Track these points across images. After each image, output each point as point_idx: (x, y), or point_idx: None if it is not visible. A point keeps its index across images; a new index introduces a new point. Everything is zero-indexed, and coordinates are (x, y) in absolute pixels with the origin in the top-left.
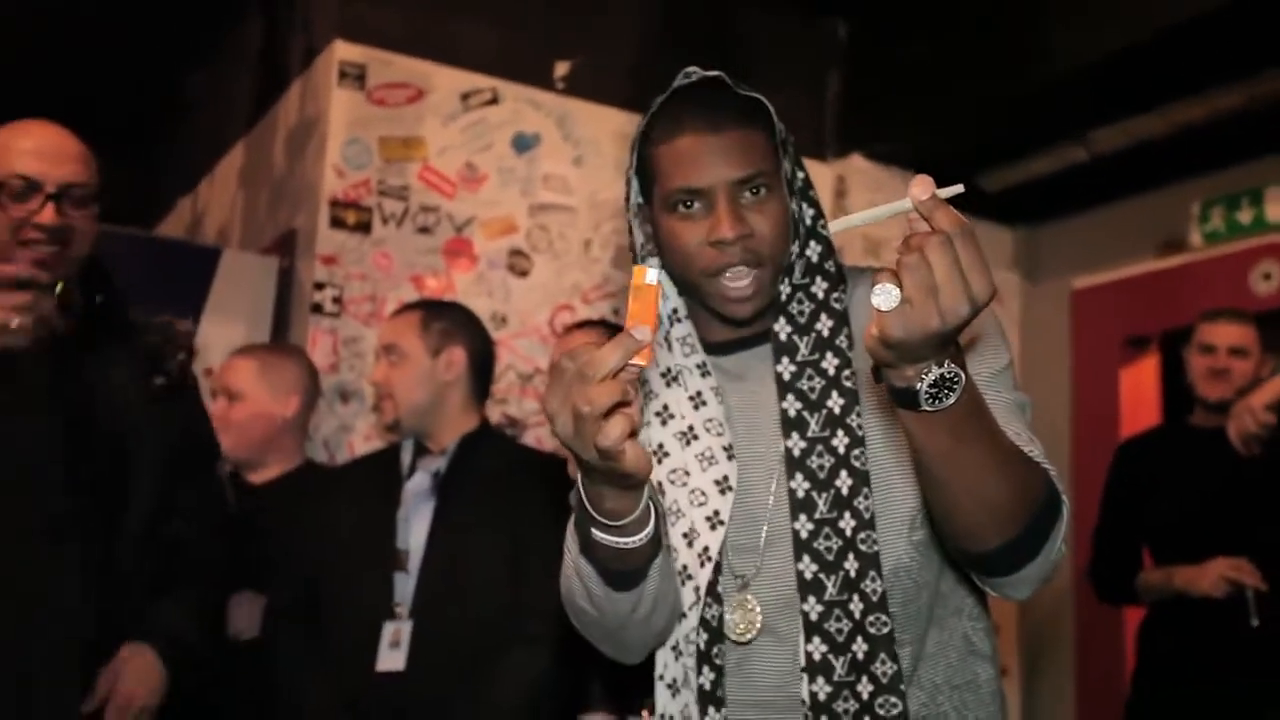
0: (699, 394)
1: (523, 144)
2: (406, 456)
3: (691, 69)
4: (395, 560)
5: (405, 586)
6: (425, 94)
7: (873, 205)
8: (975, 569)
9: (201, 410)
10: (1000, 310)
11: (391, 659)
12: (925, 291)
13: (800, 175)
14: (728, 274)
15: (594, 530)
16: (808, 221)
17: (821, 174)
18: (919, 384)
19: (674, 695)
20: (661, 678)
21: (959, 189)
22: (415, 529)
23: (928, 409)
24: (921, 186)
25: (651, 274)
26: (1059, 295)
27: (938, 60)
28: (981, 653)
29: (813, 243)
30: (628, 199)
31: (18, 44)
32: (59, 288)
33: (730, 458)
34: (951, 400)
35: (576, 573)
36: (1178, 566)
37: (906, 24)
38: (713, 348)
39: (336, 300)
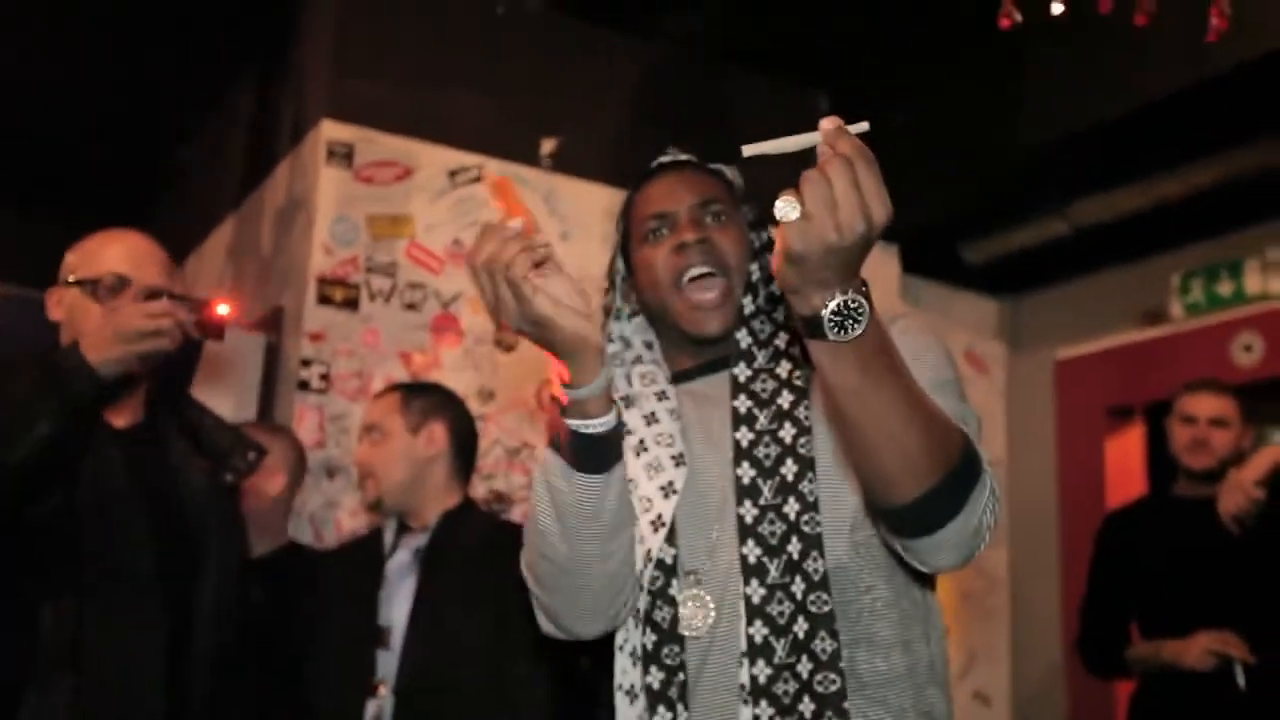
0: (653, 413)
1: None
2: (389, 536)
3: (667, 153)
4: (378, 638)
5: (388, 664)
6: (413, 172)
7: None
8: (894, 529)
9: (242, 513)
10: (985, 380)
11: None
12: (824, 206)
13: (764, 234)
14: (691, 275)
15: (568, 421)
16: (768, 262)
17: None
18: (824, 309)
19: (631, 702)
20: (620, 686)
21: (864, 126)
22: (397, 606)
23: (832, 337)
24: (831, 120)
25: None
26: (1043, 365)
27: (919, 133)
28: (940, 681)
29: (775, 282)
30: (611, 274)
31: (8, 118)
32: (193, 301)
33: (678, 465)
34: (857, 330)
35: (544, 477)
36: (1165, 640)
37: (887, 96)
38: (680, 376)
39: (324, 377)
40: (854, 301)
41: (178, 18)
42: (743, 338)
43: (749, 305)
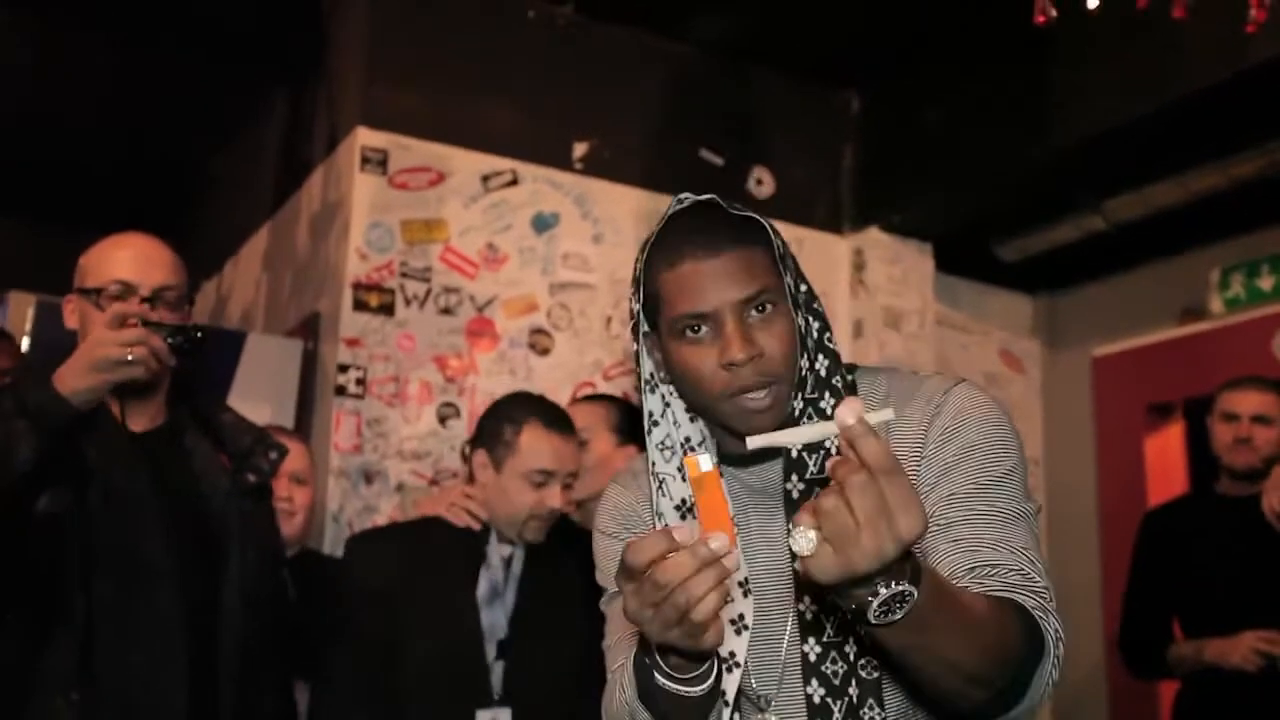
0: None
1: (542, 224)
2: (489, 541)
3: (685, 195)
4: (482, 645)
5: (494, 672)
6: (446, 177)
7: (889, 278)
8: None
9: (274, 510)
10: (1022, 378)
11: None
12: (844, 537)
13: (803, 288)
14: (747, 394)
15: (658, 678)
16: (814, 335)
17: (839, 247)
18: (867, 606)
19: None
20: None
21: (889, 414)
22: (497, 613)
23: (877, 624)
24: (849, 409)
25: (705, 461)
26: (1080, 363)
27: (952, 131)
28: None
29: (820, 356)
30: (635, 331)
31: (42, 130)
32: (169, 328)
33: (746, 594)
34: (901, 614)
35: (630, 715)
36: (1208, 639)
37: (920, 96)
38: (732, 460)
39: (360, 382)
40: (899, 590)
41: (211, 28)
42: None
43: (798, 403)
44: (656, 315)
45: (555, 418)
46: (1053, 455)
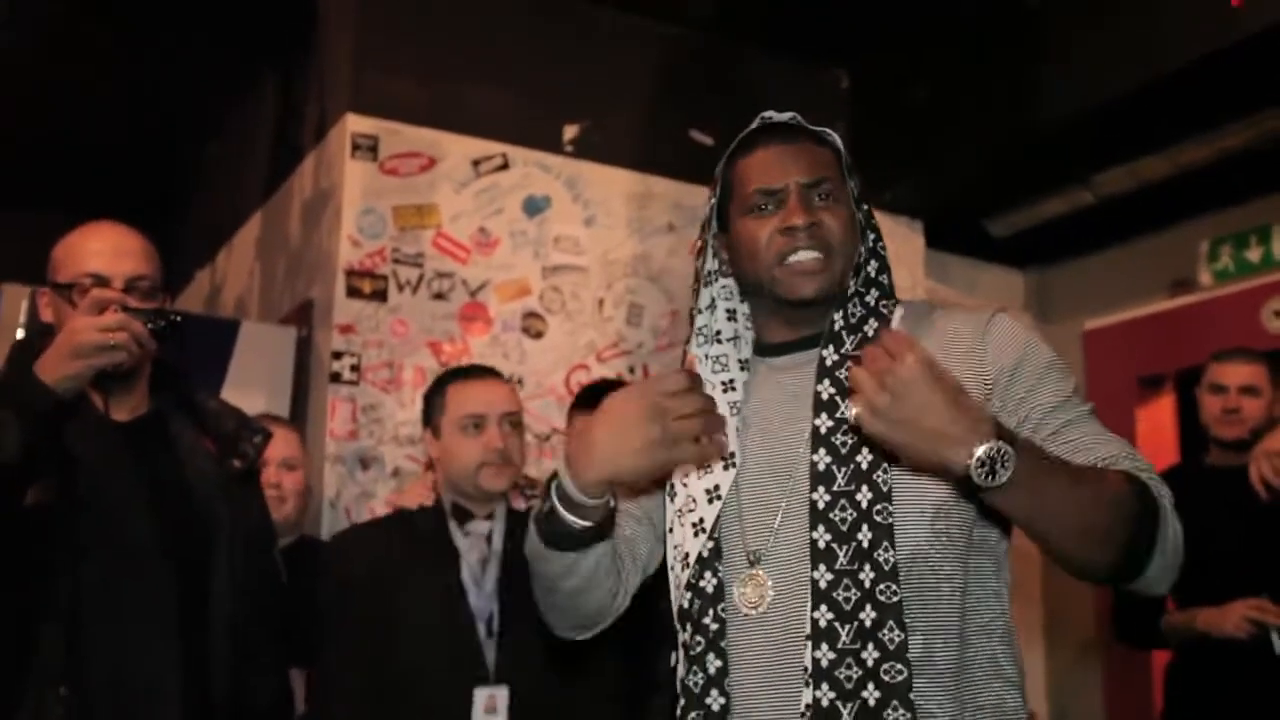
0: None
1: (534, 207)
2: (453, 520)
3: (768, 113)
4: (473, 624)
5: (487, 650)
6: (436, 162)
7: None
8: (1106, 584)
9: (262, 493)
10: None
11: None
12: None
13: (865, 207)
14: (797, 259)
15: (557, 504)
16: (870, 242)
17: None
18: (969, 468)
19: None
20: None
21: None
22: (482, 592)
23: (987, 485)
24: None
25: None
26: (1071, 336)
27: (940, 108)
28: (1009, 678)
29: (873, 261)
30: (705, 226)
31: (34, 120)
32: (147, 312)
33: (727, 468)
34: (1006, 475)
35: (530, 556)
36: (1200, 609)
37: (908, 73)
38: (770, 349)
39: (354, 368)
40: (995, 450)
41: (201, 17)
42: (837, 319)
43: (851, 286)
44: (728, 207)
45: (472, 369)
46: None
